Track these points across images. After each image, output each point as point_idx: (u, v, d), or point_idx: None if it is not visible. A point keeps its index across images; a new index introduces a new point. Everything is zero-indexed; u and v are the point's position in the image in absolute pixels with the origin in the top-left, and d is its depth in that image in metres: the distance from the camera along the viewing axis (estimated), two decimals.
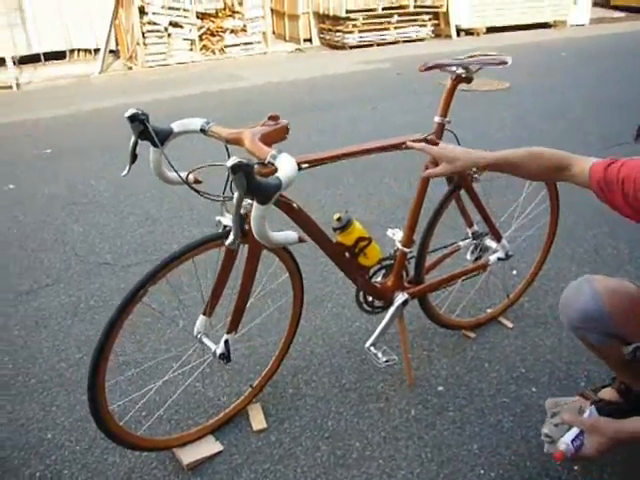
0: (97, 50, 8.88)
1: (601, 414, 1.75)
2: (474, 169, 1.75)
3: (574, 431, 1.28)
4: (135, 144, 1.52)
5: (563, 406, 1.46)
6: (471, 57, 1.78)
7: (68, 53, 9.17)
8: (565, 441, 1.26)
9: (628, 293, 1.51)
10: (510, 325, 2.30)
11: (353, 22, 9.65)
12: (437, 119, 1.82)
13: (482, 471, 1.66)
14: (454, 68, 1.78)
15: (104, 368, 1.48)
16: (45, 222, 3.45)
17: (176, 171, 1.50)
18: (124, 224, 3.38)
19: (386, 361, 1.86)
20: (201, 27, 8.81)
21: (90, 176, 4.18)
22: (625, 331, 1.52)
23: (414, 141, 1.69)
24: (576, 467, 1.63)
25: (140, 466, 1.73)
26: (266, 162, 1.30)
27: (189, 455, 1.74)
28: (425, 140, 1.76)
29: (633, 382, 1.74)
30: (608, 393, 1.79)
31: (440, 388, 1.99)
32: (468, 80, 1.80)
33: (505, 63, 1.73)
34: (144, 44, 8.41)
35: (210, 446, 1.78)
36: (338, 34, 9.88)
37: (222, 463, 1.73)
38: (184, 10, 8.52)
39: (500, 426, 1.82)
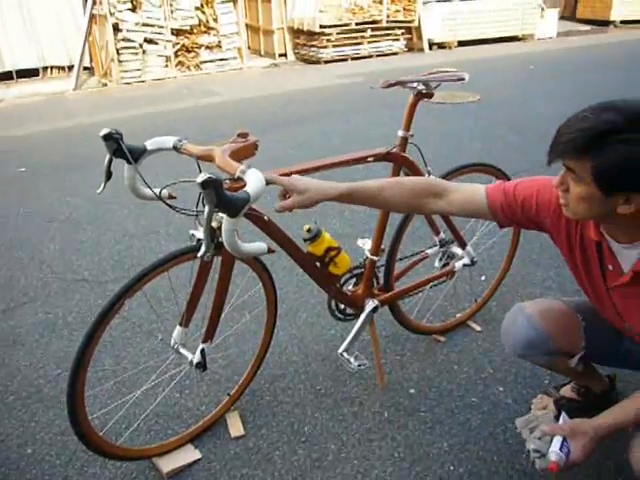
0: (71, 67, 8.87)
1: (563, 410, 1.84)
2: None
3: (558, 439, 1.30)
4: (110, 162, 1.58)
5: (537, 419, 1.47)
6: (431, 74, 1.88)
7: (41, 70, 9.15)
8: (554, 450, 1.27)
9: (559, 310, 1.61)
10: (478, 328, 2.39)
11: (327, 37, 9.79)
12: (400, 133, 1.90)
13: (452, 467, 1.73)
14: (415, 84, 1.87)
15: (83, 379, 1.52)
16: (21, 240, 3.46)
17: (150, 187, 1.56)
18: (101, 241, 3.41)
19: (358, 365, 1.92)
20: (176, 43, 8.86)
21: (66, 193, 4.20)
22: (565, 346, 1.61)
23: (368, 158, 1.78)
24: None
25: (121, 476, 1.76)
26: (235, 177, 1.37)
27: (168, 464, 1.78)
28: (388, 153, 1.84)
29: (591, 384, 1.83)
30: (569, 391, 1.88)
31: (412, 390, 2.06)
32: (429, 96, 1.90)
33: (463, 80, 1.83)
34: (119, 61, 8.44)
35: (189, 454, 1.82)
36: (312, 49, 10.02)
37: (201, 470, 1.78)
38: (159, 27, 8.57)
39: (469, 424, 1.89)
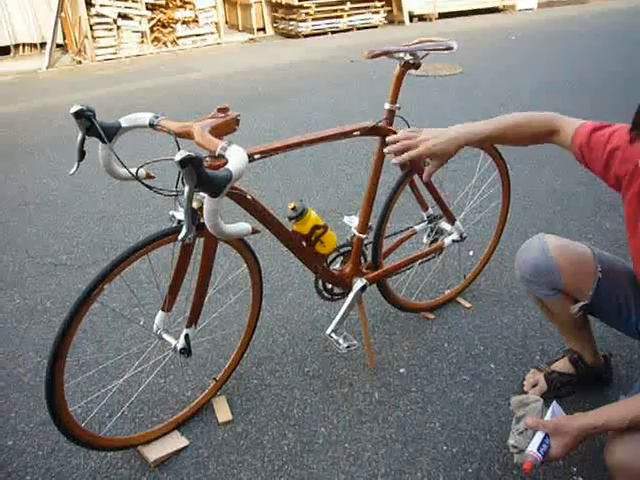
0: (43, 44, 8.60)
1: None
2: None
3: (539, 436, 1.27)
4: (82, 141, 1.49)
5: (527, 407, 1.44)
6: (418, 43, 1.80)
7: (13, 48, 8.87)
8: (532, 450, 1.26)
9: (578, 252, 1.58)
10: (468, 305, 2.35)
11: (306, 10, 9.60)
12: (387, 106, 1.83)
13: (445, 447, 1.71)
14: (402, 55, 1.79)
15: (61, 368, 1.45)
16: None
17: (126, 167, 1.48)
18: (79, 223, 3.31)
19: (347, 347, 1.88)
20: (151, 18, 8.62)
21: (42, 175, 4.07)
22: (573, 288, 1.58)
23: (354, 132, 1.73)
24: None
25: (105, 466, 1.71)
26: (216, 154, 1.30)
27: (155, 452, 1.73)
28: (376, 127, 1.77)
29: (582, 351, 1.81)
30: (561, 364, 1.86)
31: (402, 370, 2.03)
32: (416, 66, 1.82)
33: (451, 48, 1.75)
34: (92, 37, 8.18)
35: (176, 441, 1.77)
36: (291, 23, 9.83)
37: (189, 458, 1.73)
38: (133, 1, 8.31)
39: (461, 403, 1.86)
